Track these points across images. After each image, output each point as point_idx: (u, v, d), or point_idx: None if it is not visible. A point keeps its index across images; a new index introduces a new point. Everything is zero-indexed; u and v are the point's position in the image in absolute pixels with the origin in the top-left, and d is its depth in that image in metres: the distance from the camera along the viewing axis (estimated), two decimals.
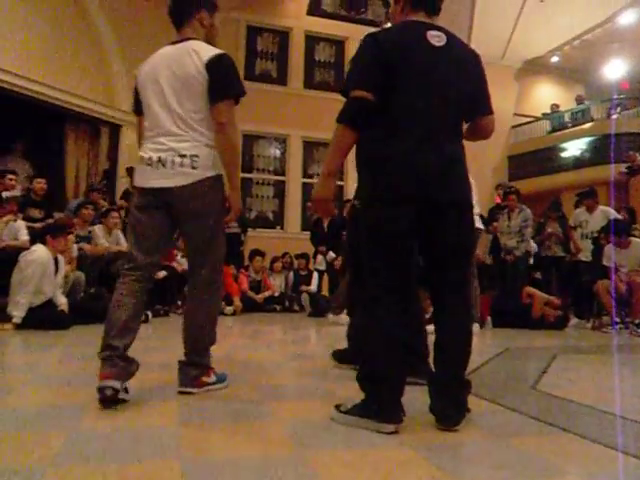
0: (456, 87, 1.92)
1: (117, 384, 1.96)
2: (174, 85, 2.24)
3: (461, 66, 1.95)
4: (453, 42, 1.95)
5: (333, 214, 1.98)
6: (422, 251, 1.97)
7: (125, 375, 2.05)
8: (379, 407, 1.77)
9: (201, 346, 2.37)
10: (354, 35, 12.44)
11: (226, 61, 2.26)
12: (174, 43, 2.35)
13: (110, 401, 1.93)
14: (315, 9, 12.28)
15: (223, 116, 2.23)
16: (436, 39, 1.89)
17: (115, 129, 9.61)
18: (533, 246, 7.17)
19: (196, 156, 2.20)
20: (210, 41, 2.38)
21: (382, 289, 1.85)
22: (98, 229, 6.49)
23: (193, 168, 2.18)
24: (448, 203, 1.85)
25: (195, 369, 2.30)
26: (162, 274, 6.59)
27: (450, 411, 1.79)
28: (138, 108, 2.43)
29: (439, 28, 1.95)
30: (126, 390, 2.02)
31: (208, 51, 2.23)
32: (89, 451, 1.47)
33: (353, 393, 1.92)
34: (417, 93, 1.86)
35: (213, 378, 2.34)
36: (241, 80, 2.39)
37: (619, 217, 6.62)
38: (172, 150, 2.19)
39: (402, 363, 1.86)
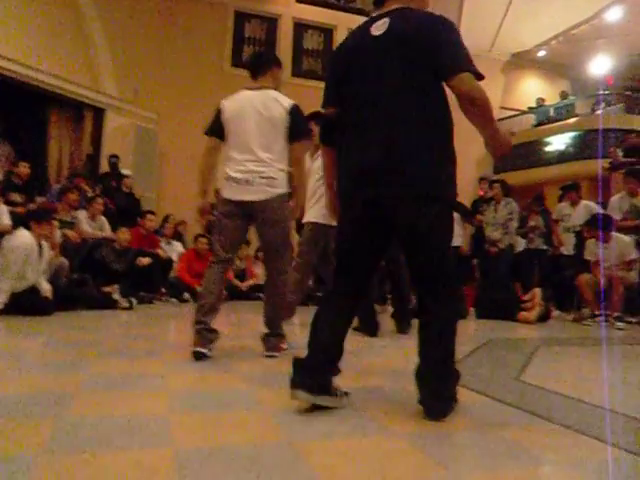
0: (389, 71, 1.80)
1: (205, 350, 2.78)
2: (261, 123, 2.91)
3: (401, 45, 1.78)
4: (398, 22, 1.82)
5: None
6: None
7: (209, 343, 2.84)
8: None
9: (279, 321, 3.10)
10: (343, 23, 12.39)
11: (300, 110, 3.00)
12: (251, 89, 3.02)
13: (200, 359, 2.73)
14: None
15: (299, 152, 3.04)
16: (378, 28, 1.84)
17: (99, 113, 9.46)
18: (521, 242, 7.25)
19: (274, 178, 2.90)
20: (278, 90, 3.08)
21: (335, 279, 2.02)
22: (82, 215, 6.43)
23: (271, 187, 2.89)
24: (397, 198, 1.79)
25: (275, 338, 3.03)
26: (146, 261, 6.55)
27: (432, 402, 1.80)
28: (214, 132, 3.03)
29: (388, 13, 1.87)
30: (209, 350, 2.82)
31: (287, 100, 2.98)
32: (79, 439, 1.47)
33: (342, 381, 1.94)
34: (353, 94, 1.88)
35: (286, 345, 3.09)
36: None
37: (602, 211, 6.71)
38: (257, 172, 2.88)
39: (326, 346, 1.92)
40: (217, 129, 3.00)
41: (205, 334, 2.82)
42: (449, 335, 1.87)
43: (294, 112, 2.93)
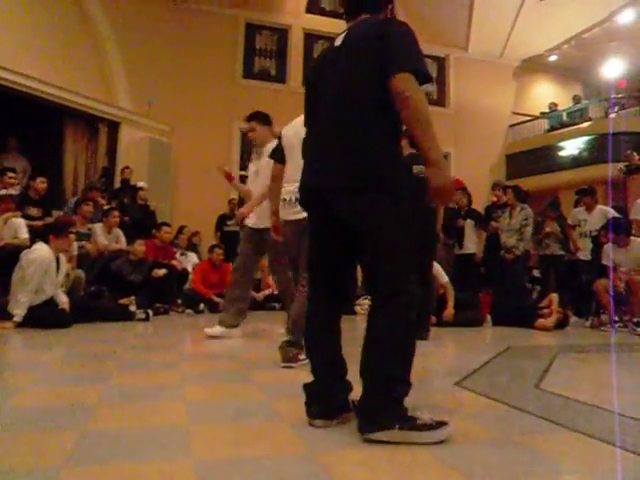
0: (335, 75, 1.81)
1: (292, 364, 2.98)
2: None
3: (349, 49, 1.80)
4: (354, 30, 1.84)
5: None
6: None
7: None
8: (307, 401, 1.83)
9: (300, 330, 3.02)
10: None
11: None
12: None
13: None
14: (314, 7, 12.27)
15: None
16: (338, 39, 1.88)
17: (114, 126, 9.58)
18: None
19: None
20: None
21: (310, 285, 1.99)
22: (98, 227, 6.50)
23: None
24: (333, 190, 1.76)
25: (294, 348, 3.04)
26: (162, 272, 6.59)
27: (358, 417, 1.71)
28: (278, 156, 3.33)
29: (351, 25, 1.89)
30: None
31: None
32: (101, 451, 1.48)
33: (358, 392, 1.93)
34: (309, 102, 2.00)
35: (303, 356, 2.99)
36: None
37: (618, 216, 6.63)
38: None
39: (328, 366, 1.85)
40: (280, 152, 3.35)
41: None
42: (387, 351, 1.68)
43: None
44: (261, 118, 4.45)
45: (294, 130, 3.16)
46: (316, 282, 1.95)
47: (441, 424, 1.65)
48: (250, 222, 4.31)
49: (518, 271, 6.55)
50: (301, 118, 2.68)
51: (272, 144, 3.85)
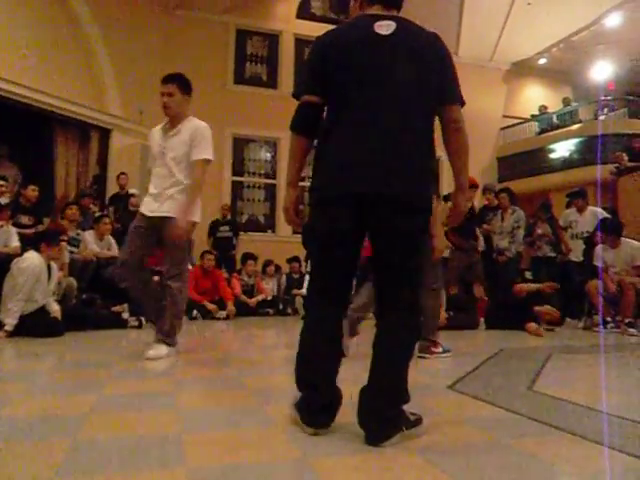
0: (403, 74, 1.74)
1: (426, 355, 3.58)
2: None
3: (413, 53, 1.76)
4: (405, 29, 1.78)
5: (298, 224, 2.04)
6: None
7: None
8: (302, 409, 1.78)
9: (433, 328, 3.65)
10: None
11: None
12: None
13: None
14: (304, 12, 12.31)
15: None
16: (384, 28, 1.75)
17: (105, 133, 9.55)
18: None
19: None
20: None
21: (315, 292, 1.90)
22: (89, 235, 6.46)
23: None
24: (385, 201, 1.69)
25: (427, 342, 3.54)
26: (154, 279, 6.56)
27: (372, 425, 1.66)
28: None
29: (392, 17, 1.80)
30: None
31: None
32: (92, 461, 1.47)
33: (353, 397, 1.92)
34: (355, 85, 1.74)
35: (440, 349, 3.59)
36: None
37: (608, 217, 6.68)
38: None
39: (328, 372, 1.81)
40: None
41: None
42: (402, 358, 1.76)
43: None
44: (183, 84, 3.75)
45: None
46: (327, 289, 1.85)
47: (417, 415, 1.76)
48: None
49: (510, 273, 6.57)
50: None
51: (189, 122, 3.54)
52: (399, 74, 1.74)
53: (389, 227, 1.73)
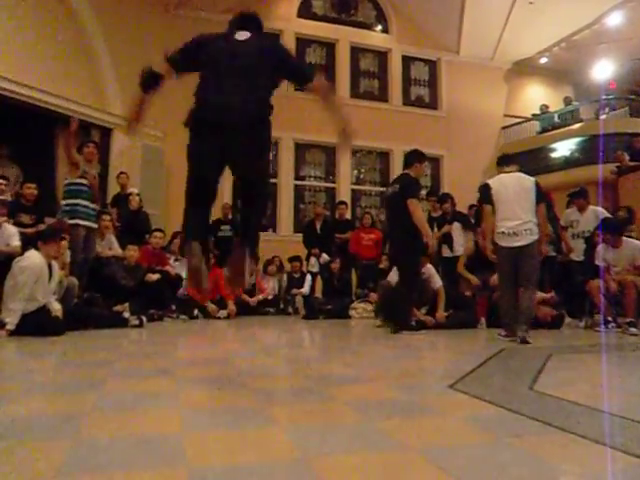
0: (250, 60, 2.60)
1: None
2: (520, 193, 4.80)
3: (259, 50, 2.68)
4: (256, 38, 2.77)
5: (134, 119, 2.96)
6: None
7: None
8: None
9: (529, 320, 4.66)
10: (345, 37, 12.49)
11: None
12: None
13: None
14: (305, 11, 12.32)
15: (540, 214, 4.85)
16: (241, 36, 2.76)
17: (106, 133, 9.55)
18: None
19: (531, 230, 4.74)
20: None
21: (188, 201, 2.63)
22: None
23: (531, 235, 4.72)
24: (232, 124, 2.44)
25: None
26: (155, 277, 6.57)
27: None
28: (488, 201, 4.90)
29: (251, 30, 2.82)
30: None
31: (530, 179, 4.97)
32: (94, 460, 1.47)
33: (351, 396, 1.94)
34: (217, 65, 2.63)
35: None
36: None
37: (609, 216, 6.67)
38: (519, 227, 4.73)
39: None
40: (490, 199, 4.95)
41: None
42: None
43: (536, 185, 4.95)
44: None
45: (500, 182, 4.93)
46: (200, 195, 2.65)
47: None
48: None
49: None
50: (505, 176, 4.98)
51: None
52: (244, 58, 2.62)
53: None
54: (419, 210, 5.16)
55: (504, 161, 5.26)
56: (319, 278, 8.60)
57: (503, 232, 4.76)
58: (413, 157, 5.48)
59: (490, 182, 5.02)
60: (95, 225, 6.18)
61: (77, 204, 5.92)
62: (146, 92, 2.86)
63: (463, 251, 6.67)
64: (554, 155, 12.20)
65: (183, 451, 1.55)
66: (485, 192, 4.96)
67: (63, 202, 6.06)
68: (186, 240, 2.62)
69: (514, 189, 4.83)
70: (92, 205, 6.11)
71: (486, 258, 6.07)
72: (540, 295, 5.89)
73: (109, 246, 6.67)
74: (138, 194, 8.12)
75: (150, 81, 2.84)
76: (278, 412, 2.05)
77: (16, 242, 5.27)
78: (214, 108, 2.49)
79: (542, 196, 4.94)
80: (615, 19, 11.84)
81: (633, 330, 5.37)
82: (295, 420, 1.95)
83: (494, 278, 6.17)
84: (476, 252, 6.54)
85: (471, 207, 8.46)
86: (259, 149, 2.61)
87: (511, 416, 2.00)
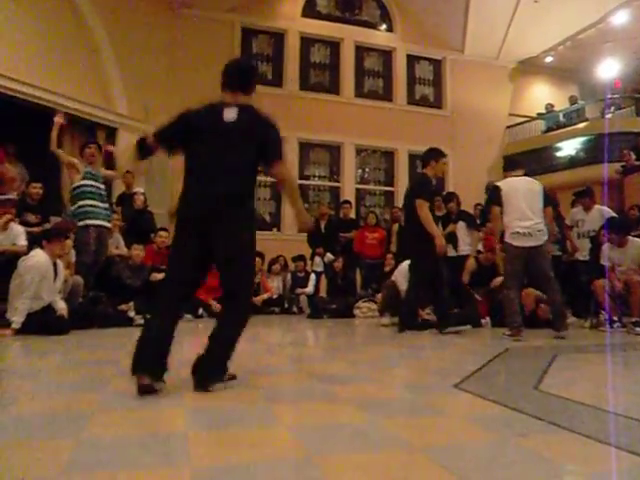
0: (239, 146, 2.55)
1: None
2: (530, 196, 4.93)
3: (247, 131, 2.57)
4: (244, 115, 2.58)
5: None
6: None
7: None
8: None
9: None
10: (349, 36, 12.48)
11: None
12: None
13: None
14: (310, 11, 12.31)
15: (548, 216, 5.09)
16: (230, 115, 2.58)
17: (111, 132, 9.58)
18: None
19: (542, 230, 4.86)
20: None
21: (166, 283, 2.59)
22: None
23: (543, 235, 4.86)
24: (211, 218, 2.42)
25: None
26: (160, 276, 6.58)
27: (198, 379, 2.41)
28: (497, 202, 5.01)
29: (238, 105, 2.61)
30: None
31: (538, 183, 5.15)
32: (98, 459, 1.47)
33: (355, 395, 1.94)
34: (204, 150, 2.57)
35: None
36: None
37: (615, 215, 6.64)
38: (533, 227, 4.81)
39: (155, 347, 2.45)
40: (500, 200, 5.03)
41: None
42: (225, 343, 2.56)
43: (543, 191, 5.13)
44: None
45: (510, 185, 5.02)
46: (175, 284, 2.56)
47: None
48: None
49: None
50: (514, 180, 5.09)
51: None
52: (233, 145, 2.56)
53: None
54: (424, 210, 5.15)
55: (511, 165, 5.40)
56: (323, 277, 8.60)
57: (517, 232, 4.82)
58: (428, 156, 5.47)
59: (500, 184, 5.10)
60: (108, 224, 6.19)
61: (86, 205, 5.93)
62: (141, 159, 2.88)
63: (465, 268, 6.63)
64: (559, 154, 12.15)
65: (187, 450, 1.55)
66: (494, 193, 5.04)
67: (72, 207, 6.08)
68: (133, 370, 2.31)
69: (524, 191, 4.95)
70: (103, 204, 6.10)
71: (487, 272, 6.13)
72: (541, 295, 5.87)
73: (116, 245, 6.68)
74: (143, 193, 8.13)
75: (142, 151, 2.80)
76: (282, 411, 2.05)
77: (23, 242, 5.29)
78: (195, 200, 2.51)
79: (549, 200, 5.06)
80: (621, 18, 11.78)
81: (638, 330, 5.34)
82: (299, 419, 1.95)
83: (496, 280, 6.19)
84: (478, 267, 6.56)
85: (477, 206, 8.45)
86: (242, 225, 2.50)
87: (516, 416, 2.00)
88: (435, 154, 5.44)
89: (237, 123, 2.55)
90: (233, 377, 2.54)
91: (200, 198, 2.48)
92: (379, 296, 7.48)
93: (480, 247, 7.12)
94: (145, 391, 2.22)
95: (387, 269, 7.76)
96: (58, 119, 6.13)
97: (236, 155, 2.54)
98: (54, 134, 6.10)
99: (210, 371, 2.43)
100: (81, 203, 5.92)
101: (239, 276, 2.52)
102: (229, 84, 2.68)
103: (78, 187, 5.99)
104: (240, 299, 2.56)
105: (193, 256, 2.48)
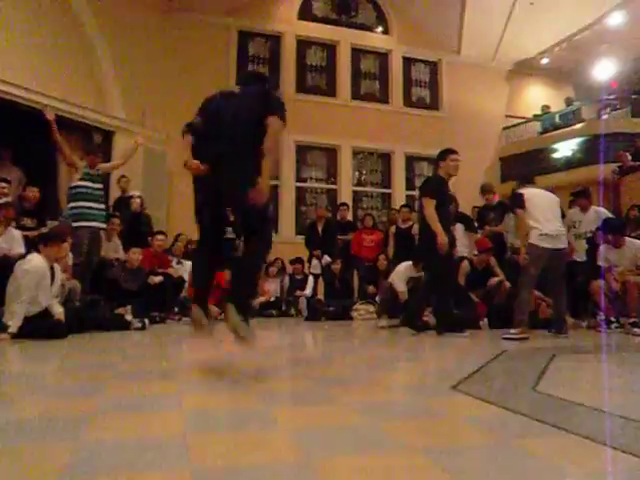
0: (242, 112, 2.89)
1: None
2: (551, 203, 5.31)
3: (247, 98, 3.01)
4: (247, 89, 3.12)
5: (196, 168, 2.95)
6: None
7: None
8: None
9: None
10: (345, 39, 12.50)
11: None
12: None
13: None
14: (306, 13, 12.33)
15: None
16: (236, 90, 3.18)
17: (108, 135, 9.57)
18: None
19: (565, 234, 5.30)
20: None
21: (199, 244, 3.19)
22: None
23: (566, 239, 5.29)
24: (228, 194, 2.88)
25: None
26: (157, 279, 6.58)
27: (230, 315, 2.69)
28: (522, 206, 5.13)
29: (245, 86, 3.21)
30: None
31: (554, 195, 5.51)
32: (97, 463, 1.46)
33: (354, 398, 1.94)
34: (211, 123, 2.94)
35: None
36: None
37: (611, 216, 6.66)
38: (559, 230, 5.13)
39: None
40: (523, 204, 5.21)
41: None
42: (246, 274, 2.94)
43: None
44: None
45: (532, 193, 5.28)
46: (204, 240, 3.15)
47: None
48: None
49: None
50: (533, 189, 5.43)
51: None
52: (238, 112, 2.91)
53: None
54: (429, 209, 5.19)
55: (526, 179, 5.68)
56: (321, 280, 8.59)
57: (547, 234, 4.98)
58: (437, 157, 5.57)
59: (523, 191, 5.30)
60: (103, 225, 6.19)
61: (81, 206, 5.93)
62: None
63: (460, 270, 6.63)
64: (556, 155, 12.18)
65: (186, 453, 1.55)
66: (519, 198, 5.19)
67: (68, 206, 6.08)
68: (193, 298, 3.09)
69: (546, 199, 5.29)
70: (98, 206, 6.11)
71: (482, 274, 6.17)
72: (542, 295, 5.88)
73: (114, 249, 6.68)
74: (140, 196, 8.13)
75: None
76: (281, 414, 2.05)
77: (20, 249, 5.28)
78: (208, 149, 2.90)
79: (562, 211, 5.42)
80: (616, 19, 11.83)
81: (636, 330, 5.35)
82: (298, 422, 1.95)
83: (492, 281, 6.21)
84: (471, 270, 6.57)
85: (474, 208, 8.45)
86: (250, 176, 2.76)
87: (514, 417, 2.00)
88: (443, 153, 5.47)
89: (245, 91, 3.09)
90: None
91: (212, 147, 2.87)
92: (377, 298, 7.49)
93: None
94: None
95: (380, 267, 7.80)
96: (49, 116, 6.17)
97: (244, 113, 2.88)
98: (54, 129, 6.11)
99: (237, 299, 2.75)
100: (76, 204, 5.92)
101: (257, 216, 2.88)
102: (240, 82, 3.37)
103: (74, 187, 5.99)
104: (263, 233, 2.98)
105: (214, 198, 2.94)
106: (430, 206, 5.19)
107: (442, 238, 5.09)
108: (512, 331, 4.84)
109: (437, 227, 5.15)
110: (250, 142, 2.80)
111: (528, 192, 5.26)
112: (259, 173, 2.74)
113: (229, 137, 2.81)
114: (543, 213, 5.11)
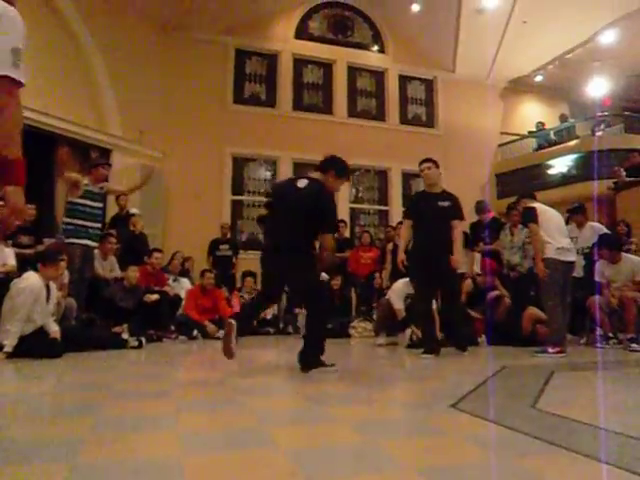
0: (304, 207, 3.68)
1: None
2: (559, 219, 5.40)
3: (310, 196, 3.72)
4: (312, 185, 3.78)
5: None
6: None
7: None
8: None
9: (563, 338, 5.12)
10: (342, 57, 12.63)
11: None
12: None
13: None
14: (303, 33, 12.47)
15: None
16: (300, 183, 3.81)
17: (105, 153, 9.60)
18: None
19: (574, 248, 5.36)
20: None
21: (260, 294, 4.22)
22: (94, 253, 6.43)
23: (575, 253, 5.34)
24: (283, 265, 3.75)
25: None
26: (154, 297, 6.55)
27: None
28: (536, 220, 5.11)
29: (308, 178, 3.88)
30: None
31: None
32: None
33: (352, 416, 1.92)
34: (279, 211, 3.89)
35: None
36: None
37: (607, 232, 6.67)
38: (571, 244, 5.20)
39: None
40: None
41: None
42: (313, 333, 3.78)
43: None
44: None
45: (548, 211, 5.31)
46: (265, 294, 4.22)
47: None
48: None
49: (523, 289, 6.51)
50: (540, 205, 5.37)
51: None
52: (300, 206, 3.71)
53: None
54: (403, 230, 5.47)
55: (531, 196, 5.65)
56: None
57: (563, 247, 5.02)
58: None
59: (535, 205, 5.30)
60: (94, 244, 6.13)
61: (75, 224, 5.90)
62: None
63: (463, 288, 6.61)
64: (551, 172, 12.24)
65: (183, 474, 1.53)
66: (532, 213, 5.17)
67: (63, 220, 6.05)
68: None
69: (555, 213, 5.33)
70: (94, 225, 6.07)
71: (484, 292, 6.15)
72: (540, 314, 5.83)
73: (110, 268, 6.66)
74: (140, 215, 8.14)
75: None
76: (278, 433, 2.03)
77: (11, 262, 5.27)
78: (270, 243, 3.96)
79: None
80: (608, 37, 11.98)
81: (635, 346, 5.34)
82: (295, 441, 1.93)
83: (492, 293, 6.22)
84: (474, 288, 6.57)
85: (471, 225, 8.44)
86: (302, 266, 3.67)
87: (513, 435, 1.99)
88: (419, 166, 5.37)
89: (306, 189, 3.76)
90: (332, 365, 3.66)
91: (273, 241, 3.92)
92: (374, 315, 7.47)
93: (477, 269, 7.08)
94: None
95: (376, 286, 7.80)
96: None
97: (301, 214, 3.67)
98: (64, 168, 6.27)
99: (305, 358, 3.66)
100: (72, 221, 5.89)
101: (306, 292, 3.83)
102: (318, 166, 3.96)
103: (73, 204, 5.96)
104: (315, 301, 3.75)
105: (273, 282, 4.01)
106: (405, 227, 5.25)
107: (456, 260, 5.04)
108: (550, 350, 4.84)
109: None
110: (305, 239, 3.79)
111: (539, 207, 5.27)
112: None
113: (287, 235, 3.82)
114: (558, 228, 5.16)
